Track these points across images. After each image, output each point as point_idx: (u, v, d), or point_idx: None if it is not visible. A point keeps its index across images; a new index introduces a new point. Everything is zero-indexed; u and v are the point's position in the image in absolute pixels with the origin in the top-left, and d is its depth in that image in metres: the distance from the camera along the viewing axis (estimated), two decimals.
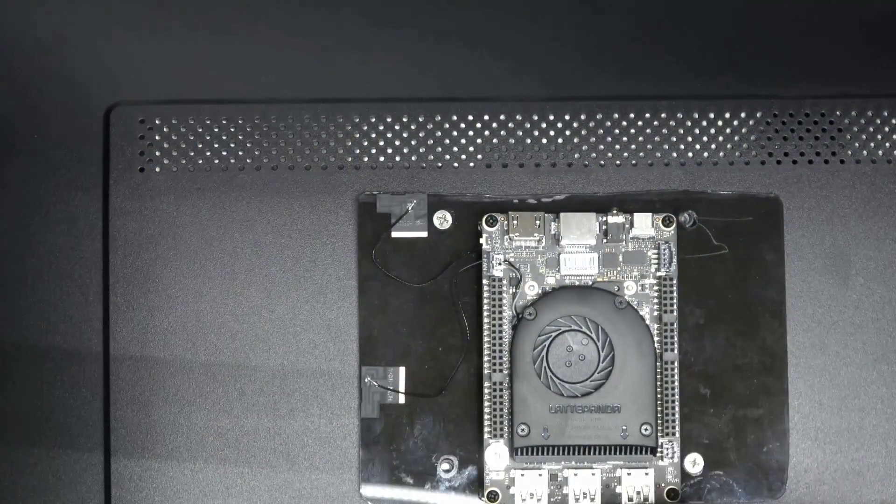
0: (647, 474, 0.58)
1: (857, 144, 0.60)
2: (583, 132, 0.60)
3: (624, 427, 0.57)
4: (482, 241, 0.59)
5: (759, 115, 0.60)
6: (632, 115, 0.60)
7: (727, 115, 0.60)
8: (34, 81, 0.60)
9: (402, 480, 0.58)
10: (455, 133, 0.60)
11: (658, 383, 0.58)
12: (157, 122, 0.60)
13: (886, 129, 0.60)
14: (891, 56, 0.61)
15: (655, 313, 0.59)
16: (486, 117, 0.60)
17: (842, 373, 0.59)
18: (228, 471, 0.58)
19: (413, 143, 0.60)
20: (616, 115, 0.60)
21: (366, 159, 0.60)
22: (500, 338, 0.58)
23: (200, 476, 0.58)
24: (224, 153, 0.60)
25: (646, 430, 0.57)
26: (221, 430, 0.58)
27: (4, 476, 0.58)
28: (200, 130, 0.60)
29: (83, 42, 0.60)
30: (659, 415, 0.58)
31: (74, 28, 0.60)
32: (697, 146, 0.60)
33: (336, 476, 0.58)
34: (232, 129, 0.60)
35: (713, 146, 0.60)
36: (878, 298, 0.60)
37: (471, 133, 0.60)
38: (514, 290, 0.58)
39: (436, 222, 0.59)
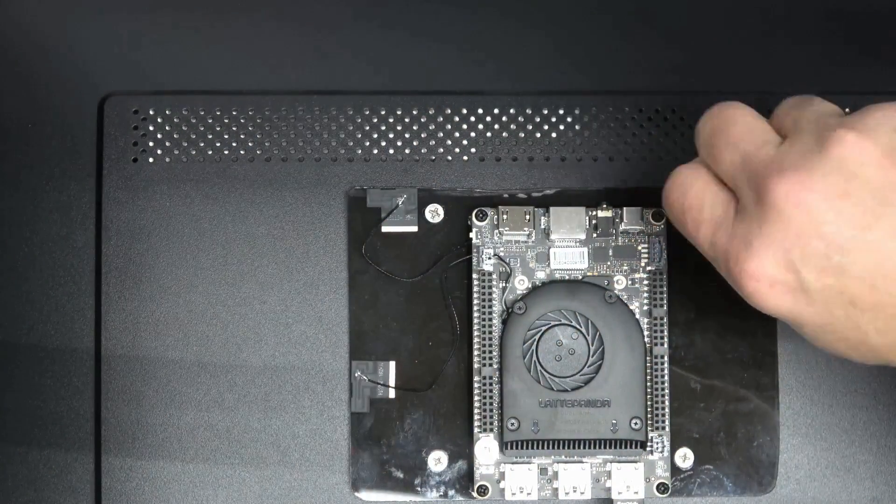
0: (636, 468, 0.58)
1: None
2: (576, 126, 0.60)
3: (614, 421, 0.57)
4: (472, 235, 0.59)
5: None
6: (626, 110, 0.60)
7: None
8: (28, 71, 0.60)
9: (392, 475, 0.58)
10: (449, 126, 0.60)
11: (648, 378, 0.58)
12: (150, 112, 0.60)
13: None
14: (885, 53, 0.61)
15: (645, 307, 0.59)
16: (480, 111, 0.60)
17: (833, 368, 0.59)
18: (219, 464, 0.58)
19: (407, 135, 0.60)
20: (610, 109, 0.60)
21: (359, 152, 0.60)
22: (490, 332, 0.58)
23: (191, 469, 0.58)
24: (217, 144, 0.60)
25: (635, 424, 0.57)
26: (212, 424, 0.58)
27: None
28: (194, 121, 0.60)
29: (77, 32, 0.60)
30: (649, 409, 0.58)
31: (68, 18, 0.60)
32: (691, 141, 0.60)
33: (326, 470, 0.58)
34: (226, 121, 0.60)
35: None
36: None
37: (464, 126, 0.60)
38: (503, 285, 0.59)
39: (428, 216, 0.59)
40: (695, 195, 0.51)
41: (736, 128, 0.51)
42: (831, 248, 0.46)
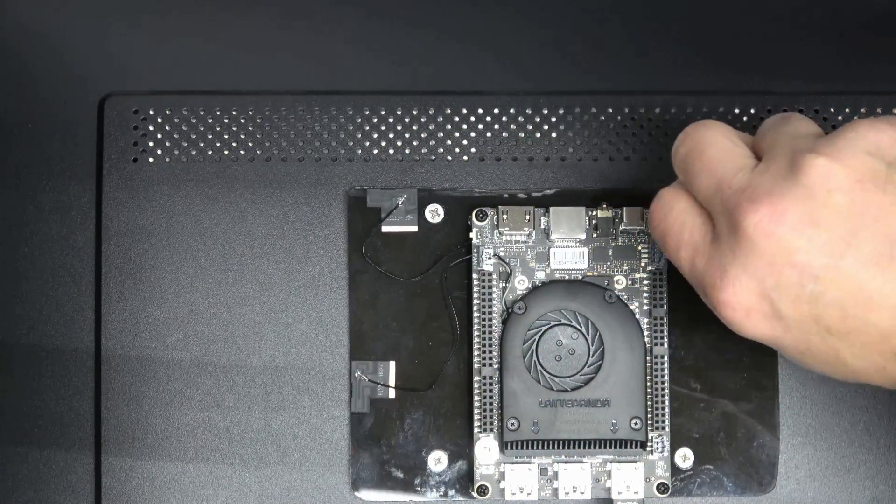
0: (636, 468, 0.58)
1: None
2: (576, 126, 0.60)
3: (614, 421, 0.57)
4: (472, 235, 0.59)
5: (753, 110, 0.60)
6: (626, 110, 0.60)
7: (721, 110, 0.60)
8: (28, 71, 0.60)
9: (392, 475, 0.58)
10: (449, 126, 0.60)
11: (648, 378, 0.58)
12: (150, 112, 0.60)
13: None
14: (884, 53, 0.61)
15: (646, 307, 0.59)
16: (480, 111, 0.60)
17: None
18: (219, 464, 0.58)
19: (407, 135, 0.60)
20: (610, 110, 0.60)
21: (359, 151, 0.60)
22: (490, 332, 0.58)
23: (191, 469, 0.58)
24: (218, 144, 0.60)
25: (636, 424, 0.57)
26: (212, 424, 0.58)
27: None
28: (194, 121, 0.60)
29: (77, 32, 0.60)
30: (649, 409, 0.58)
31: (69, 18, 0.60)
32: None
33: (326, 470, 0.58)
34: (226, 121, 0.60)
35: None
36: None
37: (464, 126, 0.60)
38: (503, 285, 0.59)
39: (428, 216, 0.59)
40: (675, 218, 0.51)
41: (711, 151, 0.51)
42: (804, 277, 0.46)
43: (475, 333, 0.58)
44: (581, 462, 0.58)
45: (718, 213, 0.49)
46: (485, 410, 0.58)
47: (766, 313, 0.48)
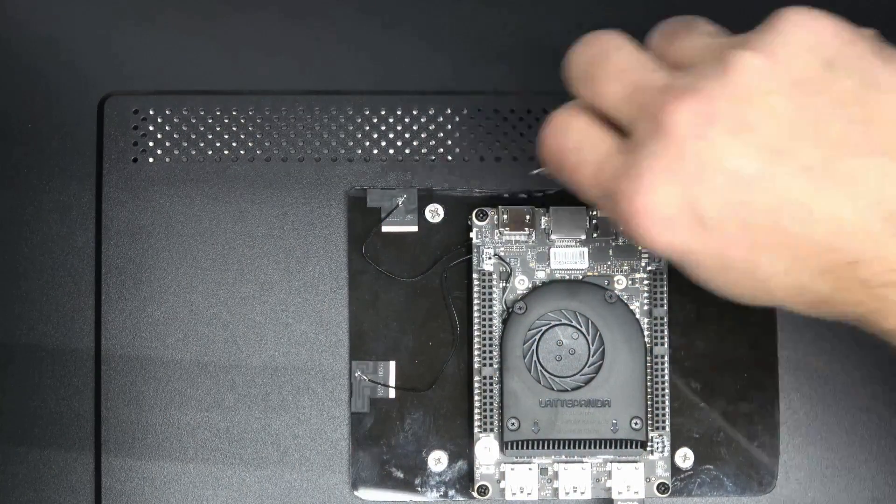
0: (637, 468, 0.58)
1: None
2: None
3: (614, 421, 0.57)
4: (472, 235, 0.59)
5: None
6: None
7: None
8: (28, 71, 0.60)
9: (392, 475, 0.58)
10: (449, 126, 0.60)
11: (648, 378, 0.58)
12: (150, 112, 0.60)
13: None
14: None
15: (646, 307, 0.59)
16: (480, 111, 0.60)
17: (833, 369, 0.59)
18: (219, 464, 0.58)
19: (407, 135, 0.60)
20: None
21: (359, 151, 0.60)
22: (490, 332, 0.58)
23: (191, 469, 0.58)
24: (217, 144, 0.60)
25: (636, 424, 0.57)
26: (212, 424, 0.58)
27: None
28: (194, 121, 0.60)
29: (77, 32, 0.60)
30: (649, 409, 0.58)
31: (69, 18, 0.60)
32: None
33: (326, 470, 0.58)
34: (225, 121, 0.60)
35: None
36: None
37: (464, 126, 0.60)
38: (504, 285, 0.59)
39: (428, 216, 0.59)
40: (574, 136, 0.47)
41: (619, 55, 0.47)
42: (735, 183, 0.43)
43: (475, 333, 0.58)
44: (581, 462, 0.58)
45: (635, 119, 0.45)
46: (485, 410, 0.58)
47: (687, 222, 0.44)
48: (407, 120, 0.60)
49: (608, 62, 0.47)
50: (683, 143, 0.43)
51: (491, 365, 0.58)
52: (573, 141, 0.47)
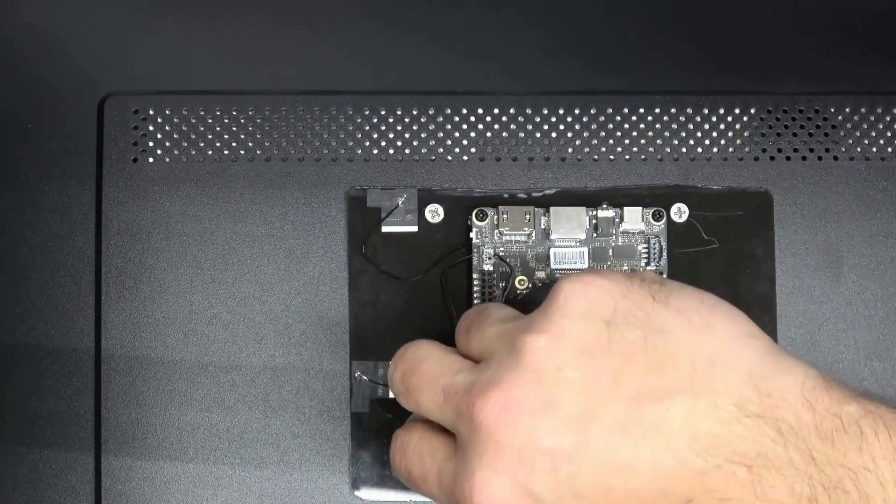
0: None
1: (850, 141, 0.60)
2: (576, 126, 0.60)
3: None
4: (472, 235, 0.59)
5: (753, 111, 0.60)
6: (625, 111, 0.60)
7: (721, 111, 0.60)
8: (28, 71, 0.60)
9: (393, 475, 0.58)
10: (449, 126, 0.60)
11: None
12: (150, 112, 0.60)
13: (880, 126, 0.60)
14: (885, 53, 0.61)
15: None
16: (480, 111, 0.60)
17: (833, 369, 0.59)
18: (219, 464, 0.58)
19: (407, 136, 0.60)
20: (610, 110, 0.60)
21: (359, 152, 0.60)
22: None
23: (191, 469, 0.58)
24: (217, 144, 0.60)
25: None
26: (212, 424, 0.58)
27: None
28: (194, 121, 0.60)
29: (77, 32, 0.60)
30: None
31: (69, 18, 0.60)
32: (691, 141, 0.60)
33: (326, 470, 0.58)
34: (225, 121, 0.60)
35: (707, 142, 0.60)
36: (869, 296, 0.60)
37: (464, 126, 0.60)
38: (504, 285, 0.59)
39: (428, 216, 0.59)
40: (413, 451, 0.50)
41: (426, 364, 0.49)
42: (557, 460, 0.45)
43: None
44: None
45: (455, 421, 0.47)
46: None
47: None
48: (407, 120, 0.60)
49: (418, 373, 0.49)
50: (499, 436, 0.45)
51: None
52: (414, 455, 0.50)
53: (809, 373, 0.46)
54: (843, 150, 0.60)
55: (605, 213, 0.59)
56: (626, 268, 0.59)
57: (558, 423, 0.45)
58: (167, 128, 0.60)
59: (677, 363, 0.45)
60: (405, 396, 0.50)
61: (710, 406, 0.44)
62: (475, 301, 0.58)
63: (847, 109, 0.60)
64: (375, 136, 0.60)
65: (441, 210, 0.59)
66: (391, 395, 0.58)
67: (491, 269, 0.58)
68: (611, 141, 0.60)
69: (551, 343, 0.45)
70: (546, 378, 0.45)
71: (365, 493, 0.58)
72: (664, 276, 0.58)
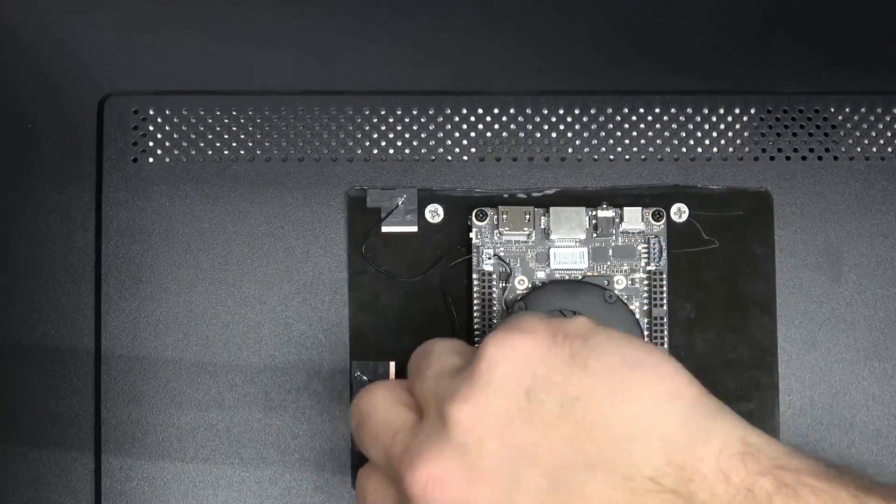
0: None
1: (850, 141, 0.60)
2: (576, 126, 0.60)
3: None
4: (472, 235, 0.59)
5: (753, 111, 0.60)
6: (626, 111, 0.60)
7: (721, 111, 0.60)
8: (28, 71, 0.60)
9: None
10: (449, 126, 0.60)
11: None
12: (150, 112, 0.60)
13: (880, 126, 0.60)
14: (885, 53, 0.61)
15: (645, 308, 0.59)
16: (480, 111, 0.60)
17: (833, 369, 0.59)
18: (219, 464, 0.58)
19: (407, 136, 0.60)
20: (610, 110, 0.60)
21: (359, 152, 0.60)
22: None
23: (191, 469, 0.58)
24: (217, 144, 0.60)
25: None
26: (212, 424, 0.58)
27: None
28: (194, 121, 0.60)
29: (77, 32, 0.60)
30: None
31: (69, 18, 0.60)
32: (691, 141, 0.60)
33: (326, 470, 0.58)
34: (225, 121, 0.60)
35: (707, 142, 0.60)
36: (869, 295, 0.60)
37: (464, 126, 0.60)
38: (503, 285, 0.59)
39: (428, 216, 0.59)
40: (370, 495, 0.49)
41: (372, 419, 0.49)
42: None
43: (475, 333, 0.58)
44: None
45: (397, 483, 0.46)
46: None
47: None
48: (407, 120, 0.60)
49: (366, 429, 0.49)
50: None
51: None
52: (370, 498, 0.49)
53: (730, 437, 0.44)
54: (843, 150, 0.60)
55: (605, 213, 0.59)
56: (625, 267, 0.59)
57: (483, 496, 0.44)
58: (167, 128, 0.60)
59: (594, 434, 0.44)
60: (360, 447, 0.50)
61: (624, 479, 0.43)
62: (475, 303, 0.58)
63: (847, 109, 0.60)
64: (375, 136, 0.60)
65: (441, 210, 0.59)
66: None
67: (491, 269, 0.58)
68: (611, 141, 0.60)
69: (474, 414, 0.44)
70: (469, 450, 0.44)
71: None
72: (664, 275, 0.58)
